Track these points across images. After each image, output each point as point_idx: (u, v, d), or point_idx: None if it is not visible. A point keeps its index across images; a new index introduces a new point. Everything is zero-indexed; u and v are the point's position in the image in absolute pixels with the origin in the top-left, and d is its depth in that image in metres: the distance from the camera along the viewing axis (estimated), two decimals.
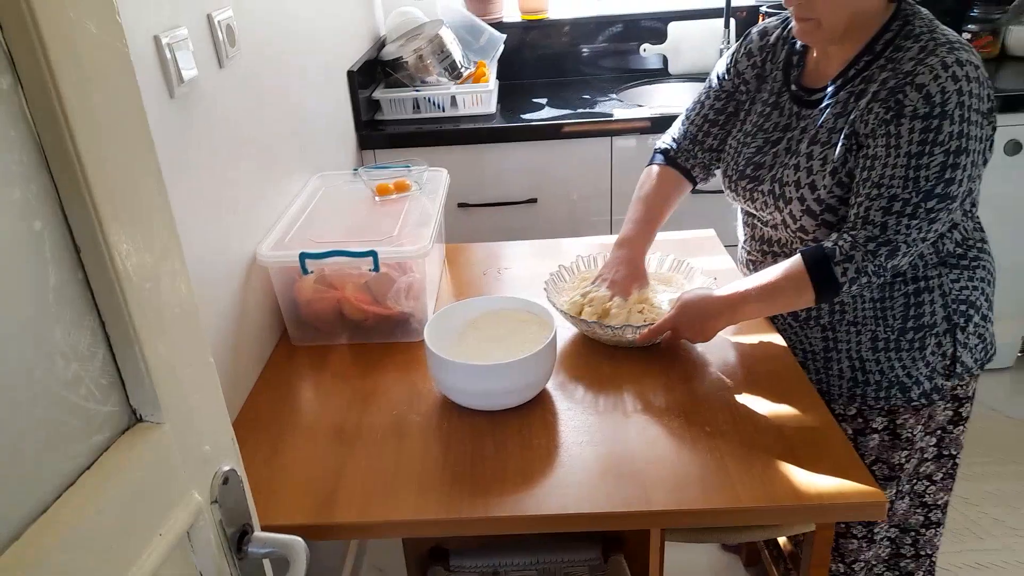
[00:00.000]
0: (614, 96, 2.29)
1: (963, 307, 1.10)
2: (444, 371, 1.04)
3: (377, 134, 2.07)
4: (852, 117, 1.03)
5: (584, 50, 2.52)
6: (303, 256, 1.18)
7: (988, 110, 0.99)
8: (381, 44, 2.30)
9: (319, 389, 1.18)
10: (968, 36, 2.35)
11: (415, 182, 1.49)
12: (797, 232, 1.12)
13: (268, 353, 1.27)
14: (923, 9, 1.06)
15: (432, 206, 1.40)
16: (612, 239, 1.61)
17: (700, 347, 1.18)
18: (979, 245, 1.12)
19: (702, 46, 2.40)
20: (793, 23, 1.07)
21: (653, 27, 2.47)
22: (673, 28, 2.44)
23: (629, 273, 1.23)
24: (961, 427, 1.21)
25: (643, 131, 2.03)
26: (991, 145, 1.02)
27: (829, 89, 1.09)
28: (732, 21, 2.35)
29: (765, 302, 1.09)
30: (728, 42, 2.35)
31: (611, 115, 2.09)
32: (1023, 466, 2.02)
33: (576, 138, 2.06)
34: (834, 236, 1.03)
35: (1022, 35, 2.35)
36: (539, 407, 1.08)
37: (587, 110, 2.17)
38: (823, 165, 1.06)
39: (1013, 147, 2.04)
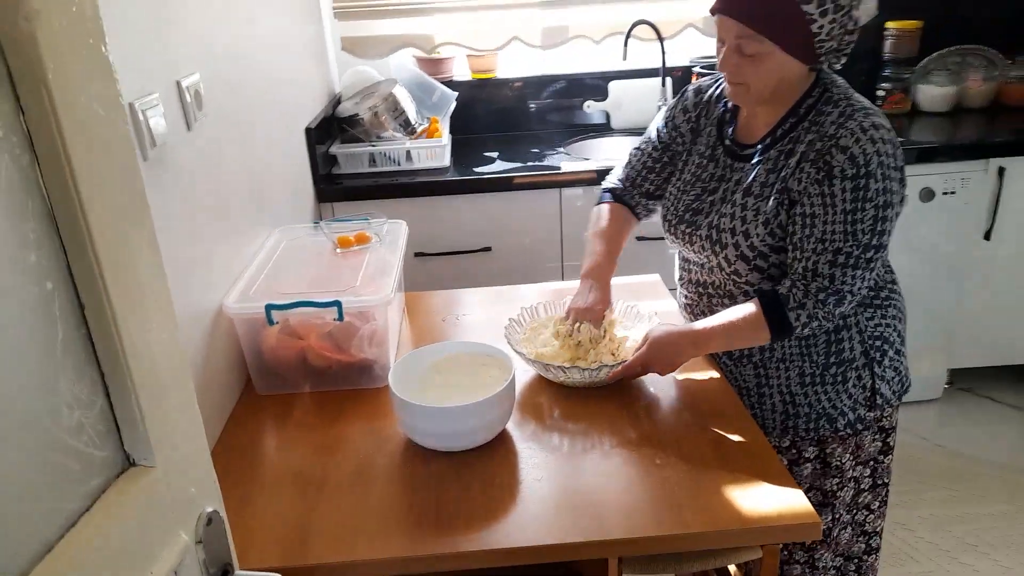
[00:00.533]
0: (561, 150, 2.41)
1: (878, 343, 1.21)
2: (409, 414, 1.09)
3: (335, 188, 2.13)
4: (784, 174, 1.15)
5: (532, 106, 2.65)
6: (269, 307, 1.22)
7: (900, 167, 1.11)
8: (337, 101, 2.38)
9: (284, 437, 1.21)
10: (882, 93, 2.56)
11: (375, 234, 1.55)
12: (731, 275, 1.22)
13: (233, 403, 1.29)
14: (839, 78, 1.19)
15: (392, 256, 1.46)
16: (564, 284, 1.70)
17: (649, 386, 1.26)
18: (890, 286, 1.24)
19: (641, 102, 2.56)
20: (726, 85, 1.19)
21: (595, 85, 2.62)
22: (614, 86, 2.59)
23: (598, 297, 1.30)
24: (890, 456, 1.32)
25: (589, 182, 2.14)
26: (903, 199, 1.14)
27: (760, 146, 1.20)
28: (668, 80, 2.52)
29: (726, 339, 1.19)
30: (665, 99, 2.51)
31: (559, 168, 2.21)
32: (953, 491, 2.14)
33: (526, 189, 2.16)
34: (787, 284, 1.13)
35: (930, 92, 2.57)
36: (500, 447, 1.14)
37: (536, 163, 2.28)
38: (756, 216, 1.17)
39: (927, 194, 2.23)
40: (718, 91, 1.30)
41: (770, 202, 1.15)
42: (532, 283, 1.78)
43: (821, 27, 1.05)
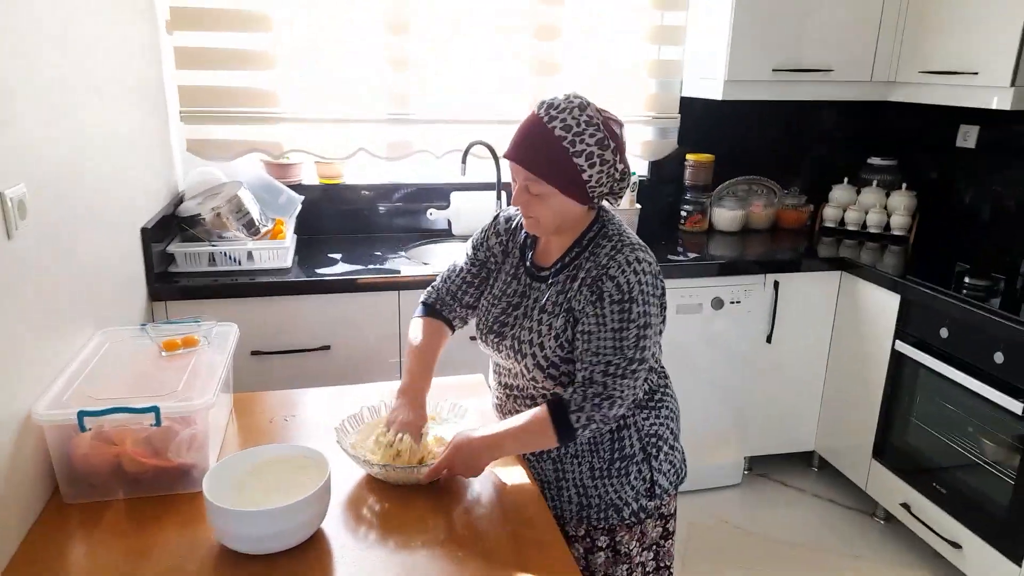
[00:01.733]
0: (403, 253, 2.56)
1: (653, 439, 1.41)
2: (219, 518, 1.12)
3: (170, 286, 2.14)
4: (569, 296, 1.34)
5: (377, 211, 2.80)
6: (81, 414, 1.22)
7: (660, 294, 1.34)
8: (180, 199, 2.41)
9: (92, 545, 1.19)
10: (684, 214, 2.96)
11: (203, 337, 1.59)
12: (530, 381, 1.38)
13: (38, 511, 1.26)
14: (616, 216, 1.42)
15: (219, 359, 1.50)
16: (396, 385, 1.78)
17: (463, 482, 1.37)
18: (663, 390, 1.45)
19: (480, 212, 2.78)
20: (522, 218, 1.39)
21: (438, 193, 2.83)
22: (455, 196, 2.81)
23: (413, 414, 1.41)
24: (670, 541, 1.49)
25: (427, 284, 2.27)
26: (664, 320, 1.37)
27: (552, 270, 1.39)
28: (503, 193, 2.77)
29: (519, 441, 1.34)
30: (502, 208, 2.75)
31: (399, 271, 2.35)
32: (751, 570, 2.38)
33: (367, 291, 2.27)
34: (569, 391, 1.30)
35: (723, 215, 3.00)
36: (313, 548, 1.19)
37: (378, 265, 2.41)
38: (549, 330, 1.35)
39: (717, 302, 2.57)
40: (521, 219, 1.50)
41: (559, 319, 1.34)
42: (370, 382, 1.86)
43: (591, 176, 1.27)
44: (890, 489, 2.52)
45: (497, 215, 1.56)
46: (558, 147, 1.25)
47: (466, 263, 1.55)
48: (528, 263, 1.44)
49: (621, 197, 1.38)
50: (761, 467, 2.95)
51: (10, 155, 1.23)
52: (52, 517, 1.25)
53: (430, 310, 1.57)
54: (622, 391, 1.29)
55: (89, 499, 1.29)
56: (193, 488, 1.32)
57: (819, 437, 2.87)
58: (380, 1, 2.50)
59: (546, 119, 1.26)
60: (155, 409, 1.26)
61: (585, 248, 1.36)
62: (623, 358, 1.28)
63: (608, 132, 1.28)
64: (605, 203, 1.39)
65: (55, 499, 1.30)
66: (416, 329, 1.55)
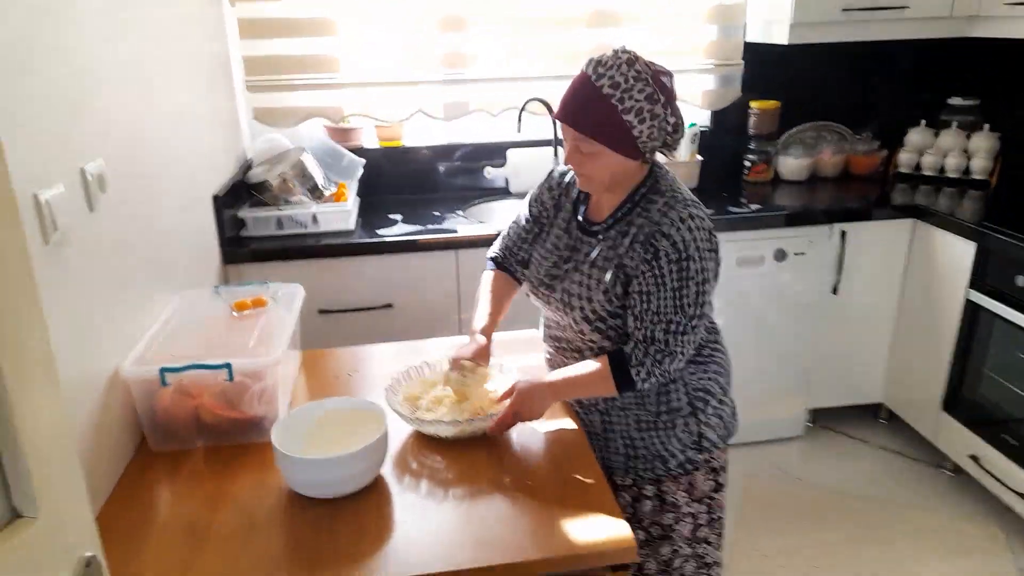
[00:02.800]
0: (460, 213, 2.61)
1: (701, 394, 1.42)
2: (287, 466, 1.22)
3: (242, 250, 2.26)
4: (620, 251, 1.35)
5: (436, 171, 2.85)
6: (163, 370, 1.34)
7: (714, 249, 1.33)
8: (248, 166, 2.52)
9: (175, 491, 1.32)
10: (748, 164, 2.88)
11: (271, 297, 1.69)
12: (578, 333, 1.42)
13: (127, 460, 1.39)
14: (669, 171, 1.41)
15: (287, 318, 1.60)
16: (461, 339, 1.84)
17: (513, 434, 1.43)
18: (712, 345, 1.46)
19: (536, 169, 2.78)
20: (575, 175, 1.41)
21: (495, 152, 2.85)
22: (511, 154, 2.82)
23: (477, 349, 1.50)
24: (722, 493, 1.52)
25: (483, 244, 2.32)
26: (717, 275, 1.36)
27: (603, 225, 1.41)
28: (559, 149, 2.77)
29: (580, 388, 1.41)
30: (557, 166, 2.75)
31: (456, 231, 2.40)
32: (805, 523, 2.38)
33: (426, 251, 2.34)
34: (631, 346, 1.33)
35: (789, 164, 2.90)
36: (374, 493, 1.28)
37: (436, 226, 2.47)
38: (598, 284, 1.37)
39: (780, 254, 2.52)
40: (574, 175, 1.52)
41: (608, 274, 1.36)
42: (431, 338, 1.93)
43: (641, 132, 1.27)
44: (959, 441, 2.45)
45: (552, 170, 1.57)
46: (607, 105, 1.25)
47: (521, 220, 1.58)
48: (580, 218, 1.46)
49: (675, 149, 1.37)
50: (825, 419, 2.91)
51: (88, 132, 1.33)
52: (140, 464, 1.39)
53: (498, 265, 1.62)
54: (683, 347, 1.32)
55: (172, 447, 1.42)
56: (264, 438, 1.43)
57: (887, 389, 2.80)
58: None
59: (594, 77, 1.26)
60: (228, 366, 1.36)
61: (637, 204, 1.36)
62: (684, 315, 1.30)
63: (657, 85, 1.27)
64: (659, 156, 1.39)
65: (143, 448, 1.43)
66: (486, 280, 1.61)
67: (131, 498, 1.29)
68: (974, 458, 2.38)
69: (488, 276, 1.62)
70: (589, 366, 1.37)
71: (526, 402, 1.37)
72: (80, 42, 1.32)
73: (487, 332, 1.54)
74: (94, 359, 1.30)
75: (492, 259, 1.64)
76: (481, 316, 1.56)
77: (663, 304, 1.30)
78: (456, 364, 1.48)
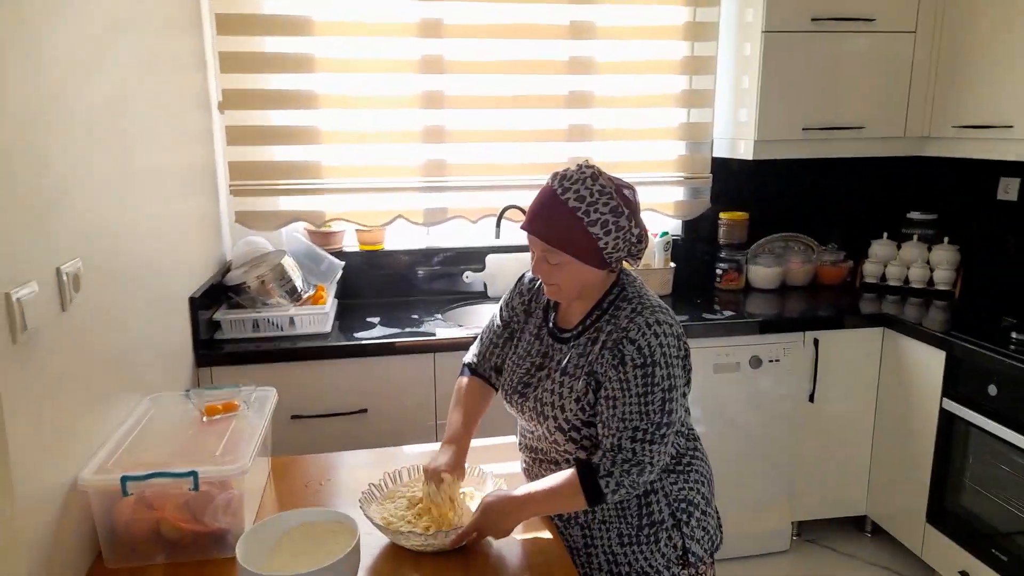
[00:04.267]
0: (439, 316, 2.61)
1: (683, 505, 1.39)
2: None
3: (216, 352, 2.22)
4: (591, 358, 1.35)
5: (415, 275, 2.87)
6: (124, 479, 1.27)
7: (684, 355, 1.34)
8: (227, 268, 2.52)
9: None
10: (720, 272, 2.95)
11: (244, 401, 1.64)
12: (552, 443, 1.39)
13: (81, 575, 1.30)
14: (637, 277, 1.44)
15: (258, 424, 1.55)
16: (437, 445, 1.79)
17: (492, 546, 1.37)
18: (691, 453, 1.44)
19: (515, 273, 2.81)
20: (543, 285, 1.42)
21: (474, 256, 2.89)
22: (491, 259, 2.87)
23: (454, 460, 1.44)
24: None
25: (462, 347, 2.32)
26: (688, 381, 1.37)
27: (573, 332, 1.41)
28: None
29: (548, 504, 1.35)
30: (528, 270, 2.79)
31: (434, 334, 2.39)
32: None
33: (403, 354, 2.32)
34: (598, 455, 1.30)
35: (759, 272, 2.98)
36: None
37: (414, 329, 2.46)
38: (570, 392, 1.36)
39: (755, 361, 2.53)
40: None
41: (580, 382, 1.35)
42: (406, 444, 1.88)
43: (607, 243, 1.30)
44: (947, 556, 2.40)
45: (522, 276, 1.59)
46: (573, 218, 1.29)
47: (494, 325, 1.59)
48: (551, 324, 1.46)
49: (640, 258, 1.40)
50: (810, 532, 2.84)
51: (67, 232, 1.32)
52: None
53: (473, 370, 1.61)
54: (651, 457, 1.29)
55: (130, 563, 1.33)
56: (228, 552, 1.35)
57: (871, 500, 2.76)
58: (416, 78, 2.63)
59: (560, 191, 1.30)
60: (193, 474, 1.30)
61: (605, 311, 1.38)
62: (650, 423, 1.28)
63: (621, 199, 1.31)
64: (625, 265, 1.41)
65: (97, 564, 1.34)
66: (462, 387, 1.59)
67: None
68: (964, 574, 2.32)
69: (462, 383, 1.60)
70: (558, 478, 1.34)
71: (491, 520, 1.32)
72: (67, 148, 1.34)
73: (461, 442, 1.50)
74: (54, 466, 1.23)
75: (467, 365, 1.63)
76: (454, 425, 1.52)
77: (628, 410, 1.29)
78: (431, 476, 1.43)
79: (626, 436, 1.28)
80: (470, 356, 1.64)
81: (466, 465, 1.51)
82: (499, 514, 1.31)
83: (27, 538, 1.13)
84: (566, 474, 1.32)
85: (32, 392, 1.17)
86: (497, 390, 1.60)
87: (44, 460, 1.20)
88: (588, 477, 1.28)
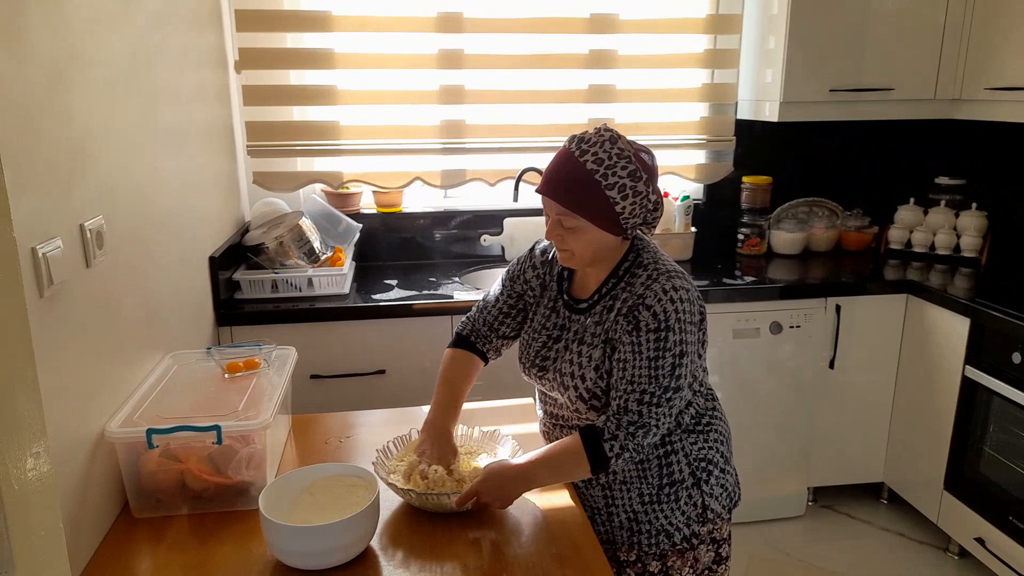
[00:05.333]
0: (456, 279, 2.61)
1: (703, 463, 1.39)
2: (273, 534, 1.17)
3: (235, 313, 2.23)
4: (607, 326, 1.34)
5: (432, 238, 2.87)
6: (149, 431, 1.30)
7: (700, 320, 1.33)
8: (245, 229, 2.53)
9: (156, 559, 1.25)
10: (742, 237, 2.92)
11: (264, 359, 1.66)
12: (574, 412, 1.39)
13: (108, 526, 1.33)
14: (652, 242, 1.42)
15: (278, 381, 1.56)
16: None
17: (511, 509, 1.37)
18: (710, 413, 1.43)
19: (532, 237, 2.81)
20: (556, 251, 1.40)
21: (492, 220, 2.88)
22: (508, 222, 2.85)
23: (440, 449, 1.42)
24: (724, 566, 1.46)
25: None
26: (704, 344, 1.35)
27: (589, 302, 1.40)
28: None
29: (552, 471, 1.33)
30: (539, 240, 2.77)
31: (451, 296, 2.39)
32: None
33: (421, 316, 2.33)
34: (602, 419, 1.30)
35: (781, 237, 2.94)
36: (361, 565, 1.22)
37: (431, 291, 2.46)
38: (588, 362, 1.35)
39: (775, 327, 2.51)
40: (555, 252, 1.51)
41: (597, 351, 1.34)
42: (424, 405, 1.89)
43: (624, 208, 1.28)
44: (964, 523, 2.39)
45: (533, 247, 1.56)
46: (590, 180, 1.26)
47: (502, 294, 1.56)
48: (565, 296, 1.45)
49: (655, 227, 1.38)
50: (826, 498, 2.84)
51: (89, 190, 1.33)
52: (121, 530, 1.33)
53: (464, 341, 1.58)
54: (657, 419, 1.28)
55: (156, 514, 1.36)
56: (251, 505, 1.38)
57: (887, 467, 2.75)
58: (435, 37, 2.59)
59: (577, 153, 1.27)
60: (217, 428, 1.32)
61: (621, 279, 1.36)
62: (658, 387, 1.28)
63: (639, 163, 1.28)
64: (640, 233, 1.39)
65: (125, 514, 1.37)
66: (447, 361, 1.56)
67: (111, 566, 1.23)
68: (980, 540, 2.32)
69: (448, 356, 1.56)
70: (559, 446, 1.32)
71: (491, 487, 1.30)
72: (89, 106, 1.34)
73: (441, 428, 1.46)
74: (80, 418, 1.26)
75: (459, 334, 1.59)
76: (439, 409, 1.48)
77: (638, 373, 1.28)
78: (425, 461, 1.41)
79: (633, 399, 1.28)
80: (465, 324, 1.60)
81: (466, 435, 1.52)
82: (501, 479, 1.30)
83: (58, 486, 1.16)
84: (568, 441, 1.31)
85: (58, 346, 1.18)
86: (487, 362, 1.58)
87: (72, 411, 1.23)
88: (592, 441, 1.28)
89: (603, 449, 1.27)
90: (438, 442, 1.43)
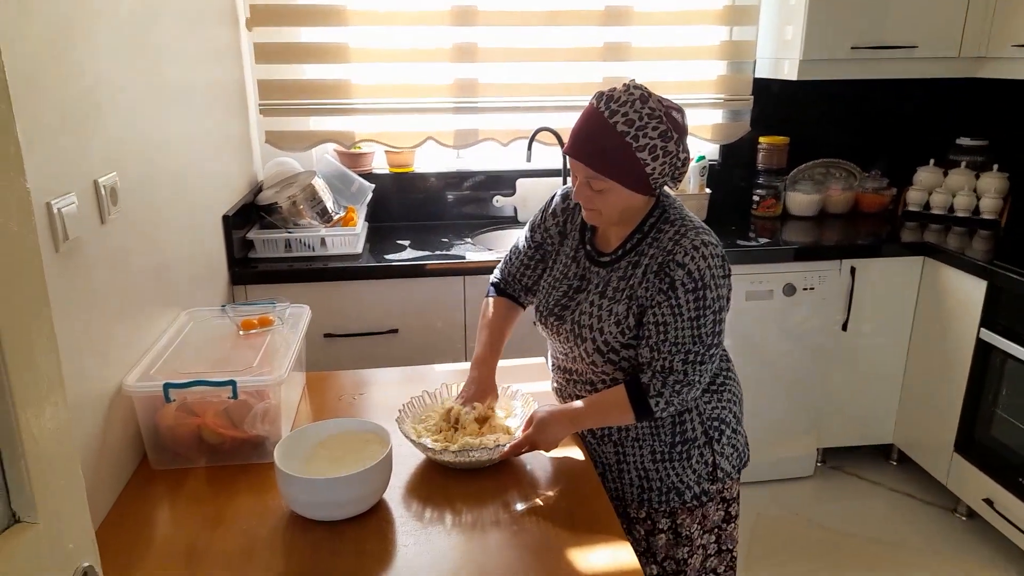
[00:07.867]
0: (468, 240, 2.61)
1: (716, 423, 1.40)
2: (288, 486, 1.19)
3: (249, 271, 2.25)
4: (632, 282, 1.34)
5: (445, 199, 2.85)
6: (167, 386, 1.32)
7: (727, 275, 1.32)
8: (258, 189, 2.53)
9: (175, 510, 1.29)
10: (757, 198, 2.88)
11: (278, 317, 1.67)
12: (589, 365, 1.39)
13: (127, 477, 1.37)
14: (676, 199, 1.41)
15: (293, 338, 1.58)
16: (466, 365, 1.81)
17: (526, 465, 1.40)
18: (725, 373, 1.43)
19: (545, 198, 2.79)
20: (583, 209, 1.39)
21: (505, 180, 2.86)
22: (521, 183, 2.83)
23: (481, 388, 1.48)
24: (733, 524, 1.48)
25: (491, 270, 2.31)
26: (729, 299, 1.35)
27: (613, 256, 1.39)
28: (568, 180, 2.77)
29: (597, 418, 1.38)
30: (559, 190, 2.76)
31: (464, 257, 2.39)
32: (819, 563, 2.32)
33: (433, 276, 2.33)
34: (648, 376, 1.31)
35: (797, 199, 2.90)
36: (375, 516, 1.25)
37: (444, 252, 2.46)
38: (609, 315, 1.35)
39: (789, 289, 2.50)
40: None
41: (621, 306, 1.34)
42: (435, 364, 1.91)
43: (654, 169, 1.26)
44: (973, 484, 2.40)
45: (553, 196, 1.55)
46: (621, 143, 1.24)
47: (525, 245, 1.57)
48: (588, 247, 1.44)
49: (680, 181, 1.37)
50: (835, 459, 2.86)
51: (102, 146, 1.33)
52: (140, 482, 1.36)
53: (500, 290, 1.60)
54: (701, 376, 1.30)
55: (173, 466, 1.39)
56: (267, 459, 1.40)
57: (898, 429, 2.75)
58: None
59: (607, 113, 1.25)
60: (232, 383, 1.34)
61: (647, 234, 1.35)
62: (702, 345, 1.28)
63: (671, 123, 1.26)
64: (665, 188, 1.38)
65: (143, 466, 1.41)
66: (488, 307, 1.59)
67: (130, 516, 1.26)
68: (988, 502, 2.33)
69: (489, 303, 1.60)
70: (607, 396, 1.35)
71: (544, 431, 1.34)
72: (97, 60, 1.33)
73: (489, 365, 1.52)
74: (97, 372, 1.28)
75: (494, 284, 1.62)
76: (483, 348, 1.54)
77: (681, 334, 1.28)
78: (465, 401, 1.46)
79: (678, 359, 1.29)
80: (496, 276, 1.63)
81: (497, 382, 1.54)
82: (553, 425, 1.34)
83: (78, 438, 1.19)
84: (615, 391, 1.34)
85: (75, 300, 1.20)
86: (525, 307, 1.60)
87: (89, 366, 1.25)
88: (638, 397, 1.30)
89: (648, 404, 1.30)
90: (481, 380, 1.48)
